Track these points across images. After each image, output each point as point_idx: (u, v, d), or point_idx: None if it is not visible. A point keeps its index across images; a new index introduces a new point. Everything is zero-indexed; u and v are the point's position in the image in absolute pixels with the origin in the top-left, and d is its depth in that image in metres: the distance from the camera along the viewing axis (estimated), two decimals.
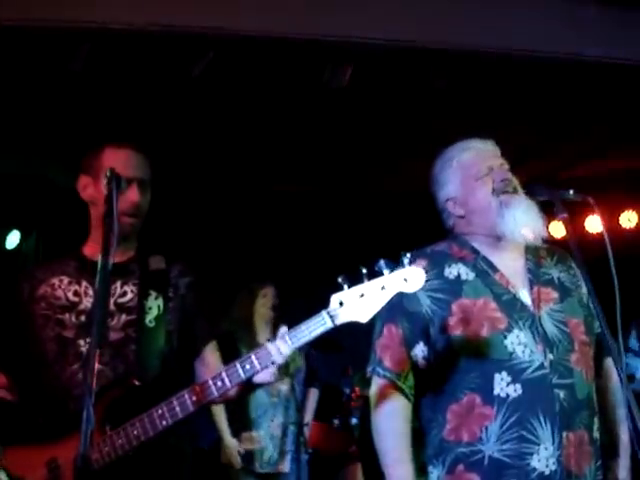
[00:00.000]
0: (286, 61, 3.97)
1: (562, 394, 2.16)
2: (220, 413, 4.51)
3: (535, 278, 2.33)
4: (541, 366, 2.17)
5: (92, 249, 2.38)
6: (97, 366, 1.85)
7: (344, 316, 1.99)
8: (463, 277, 2.31)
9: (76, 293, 2.35)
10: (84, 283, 2.36)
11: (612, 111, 4.73)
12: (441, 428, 2.24)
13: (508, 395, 2.16)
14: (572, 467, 2.14)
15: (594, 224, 5.84)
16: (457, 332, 2.23)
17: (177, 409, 2.08)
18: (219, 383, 2.07)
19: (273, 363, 2.05)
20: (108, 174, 2.13)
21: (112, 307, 2.32)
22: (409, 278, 1.96)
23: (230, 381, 2.06)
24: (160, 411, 2.08)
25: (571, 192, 2.21)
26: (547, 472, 2.12)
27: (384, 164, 5.94)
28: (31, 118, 4.80)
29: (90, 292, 2.34)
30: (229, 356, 2.23)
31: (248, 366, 2.06)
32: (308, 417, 4.83)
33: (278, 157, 5.74)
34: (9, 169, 5.50)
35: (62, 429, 2.15)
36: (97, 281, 1.98)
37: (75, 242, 2.50)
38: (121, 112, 4.51)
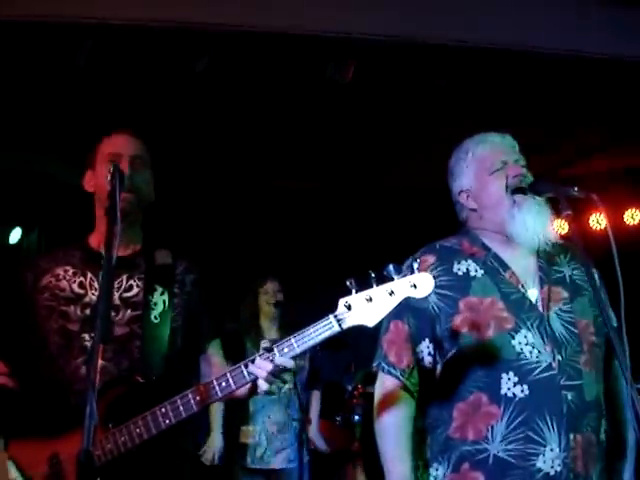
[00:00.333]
0: (288, 57, 3.96)
1: (570, 395, 2.14)
2: (217, 406, 4.48)
3: (546, 277, 2.30)
4: (549, 367, 2.16)
5: (97, 240, 2.38)
6: (100, 362, 1.84)
7: (351, 320, 1.99)
8: (472, 274, 2.29)
9: (81, 285, 2.34)
10: (89, 275, 2.35)
11: (613, 108, 4.73)
12: (447, 426, 2.23)
13: (515, 395, 2.14)
14: (579, 469, 2.13)
15: (597, 222, 5.84)
16: (463, 330, 2.22)
17: (181, 409, 2.07)
18: (223, 384, 2.07)
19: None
20: (111, 169, 2.13)
21: (117, 301, 2.31)
22: (418, 284, 1.97)
23: (235, 382, 2.06)
24: (164, 410, 2.08)
25: (575, 189, 2.19)
26: (552, 473, 2.10)
27: (385, 160, 5.94)
28: (33, 114, 4.80)
29: (95, 284, 2.32)
30: (235, 353, 2.23)
31: (252, 368, 2.05)
32: (314, 419, 4.83)
33: (279, 153, 5.74)
34: (11, 165, 5.50)
35: (64, 424, 2.15)
36: (101, 276, 1.97)
37: (77, 238, 2.48)
38: (124, 107, 4.51)
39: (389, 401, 2.28)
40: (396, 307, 2.10)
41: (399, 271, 1.96)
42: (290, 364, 2.06)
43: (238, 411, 4.56)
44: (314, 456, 4.71)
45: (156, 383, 2.20)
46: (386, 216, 6.35)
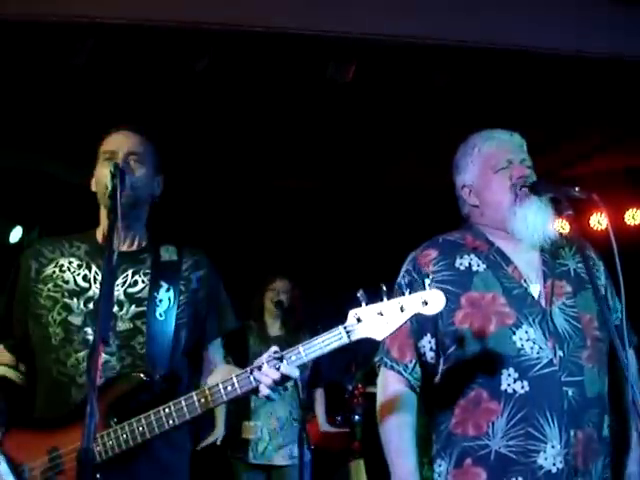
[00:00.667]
0: (289, 57, 3.97)
1: (571, 392, 2.13)
2: None
3: (550, 271, 2.29)
4: (550, 363, 2.15)
5: (103, 235, 2.38)
6: (103, 356, 1.83)
7: (360, 332, 2.01)
8: (474, 268, 2.28)
9: (85, 278, 2.34)
10: (94, 268, 2.35)
11: (613, 108, 4.72)
12: (449, 422, 2.23)
13: (515, 391, 2.14)
14: (579, 465, 2.12)
15: (598, 222, 5.85)
16: (465, 326, 2.21)
17: (185, 410, 2.08)
18: (229, 388, 2.07)
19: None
20: (112, 169, 2.14)
21: (122, 296, 2.31)
22: (429, 301, 1.99)
23: (240, 387, 2.07)
24: (167, 410, 2.08)
25: (576, 189, 2.19)
26: (554, 470, 2.10)
27: (385, 160, 5.94)
28: (33, 113, 4.80)
29: (99, 278, 2.31)
30: (239, 349, 2.23)
31: (258, 375, 2.06)
32: (321, 418, 4.86)
33: (279, 152, 5.74)
34: (11, 164, 5.49)
35: (65, 417, 2.16)
36: (101, 273, 1.96)
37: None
38: (124, 107, 4.51)
39: (392, 396, 2.28)
40: None
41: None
42: (295, 374, 2.07)
43: (241, 407, 4.57)
44: (315, 455, 4.71)
45: (160, 382, 2.20)
46: (386, 216, 6.35)
